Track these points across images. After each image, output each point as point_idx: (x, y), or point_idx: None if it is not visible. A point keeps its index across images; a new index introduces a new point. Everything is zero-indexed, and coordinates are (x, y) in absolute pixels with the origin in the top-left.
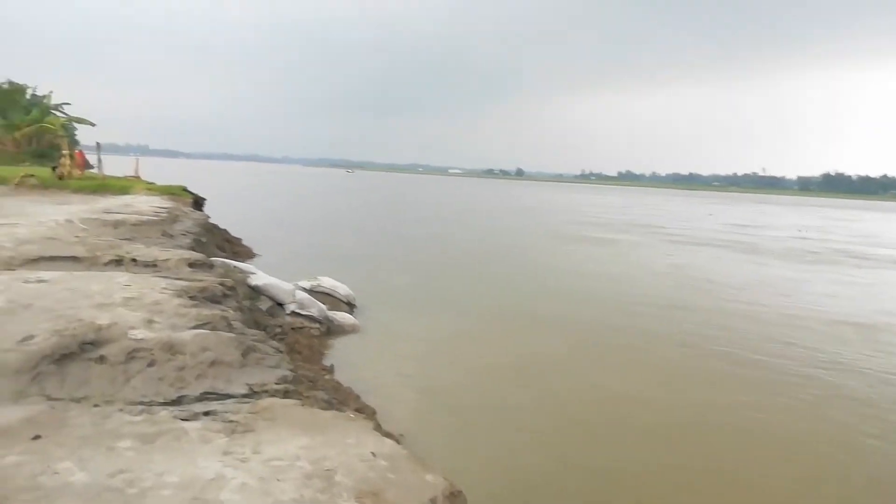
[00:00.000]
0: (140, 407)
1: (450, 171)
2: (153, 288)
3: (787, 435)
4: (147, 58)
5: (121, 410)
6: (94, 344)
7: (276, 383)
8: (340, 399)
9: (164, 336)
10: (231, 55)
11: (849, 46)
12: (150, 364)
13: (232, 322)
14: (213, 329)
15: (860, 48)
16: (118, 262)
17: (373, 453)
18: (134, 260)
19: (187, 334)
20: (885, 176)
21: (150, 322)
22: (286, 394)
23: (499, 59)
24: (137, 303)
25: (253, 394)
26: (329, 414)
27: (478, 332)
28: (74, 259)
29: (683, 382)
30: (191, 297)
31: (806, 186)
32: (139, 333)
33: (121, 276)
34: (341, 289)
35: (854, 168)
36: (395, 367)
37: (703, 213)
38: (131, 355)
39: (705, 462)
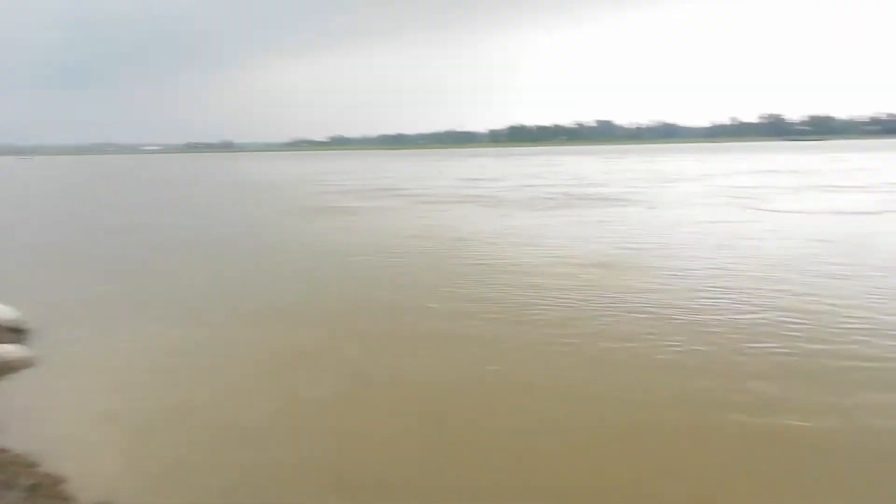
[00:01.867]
0: None
1: (144, 147)
2: None
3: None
4: None
5: None
6: None
7: None
8: (8, 478)
9: None
10: None
11: (524, 13)
12: None
13: None
14: None
15: (534, 14)
16: None
17: None
18: None
19: None
20: (555, 125)
21: None
22: None
23: (194, 24)
24: None
25: None
26: None
27: (210, 339)
28: None
29: (436, 354)
30: None
31: (496, 138)
32: None
33: None
34: (1, 312)
35: (532, 119)
36: (91, 407)
37: (433, 170)
38: None
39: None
